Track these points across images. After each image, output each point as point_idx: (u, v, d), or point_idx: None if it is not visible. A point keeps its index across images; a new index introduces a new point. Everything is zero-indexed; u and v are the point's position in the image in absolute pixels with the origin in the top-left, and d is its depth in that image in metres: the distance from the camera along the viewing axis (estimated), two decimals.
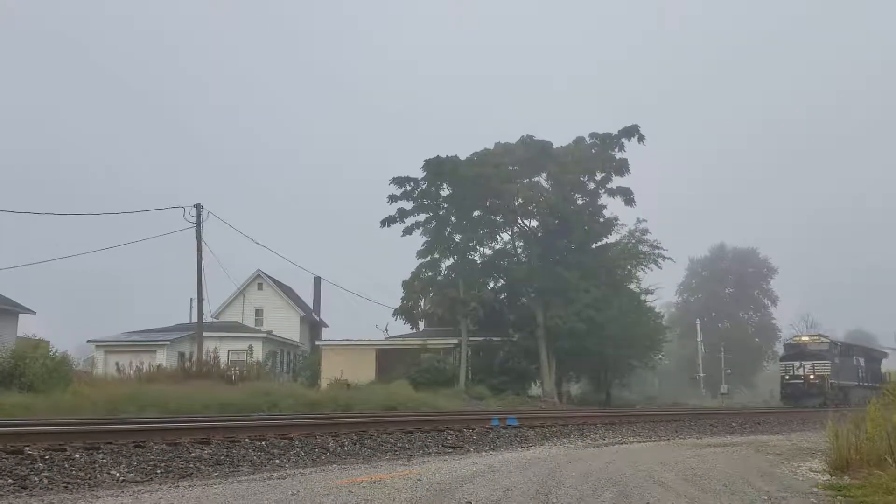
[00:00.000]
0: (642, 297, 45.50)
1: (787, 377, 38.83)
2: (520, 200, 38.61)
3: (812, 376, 37.58)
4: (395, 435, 10.64)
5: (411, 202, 38.55)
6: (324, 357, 39.80)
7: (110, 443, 7.90)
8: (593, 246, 41.23)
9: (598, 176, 40.40)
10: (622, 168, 39.51)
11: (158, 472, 6.84)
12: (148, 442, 8.18)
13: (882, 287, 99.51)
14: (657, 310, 51.53)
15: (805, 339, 41.43)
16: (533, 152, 38.94)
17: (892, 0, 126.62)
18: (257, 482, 6.16)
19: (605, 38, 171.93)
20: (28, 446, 7.28)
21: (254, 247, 62.24)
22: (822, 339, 40.83)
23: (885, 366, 46.71)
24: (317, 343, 45.09)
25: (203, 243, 31.62)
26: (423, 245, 39.14)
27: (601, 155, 39.92)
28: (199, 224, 31.49)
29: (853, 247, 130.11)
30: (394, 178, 38.07)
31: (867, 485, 5.88)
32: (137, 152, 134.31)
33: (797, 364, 38.45)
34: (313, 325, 52.59)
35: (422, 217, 38.83)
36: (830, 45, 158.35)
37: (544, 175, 40.08)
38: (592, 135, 41.01)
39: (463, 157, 38.56)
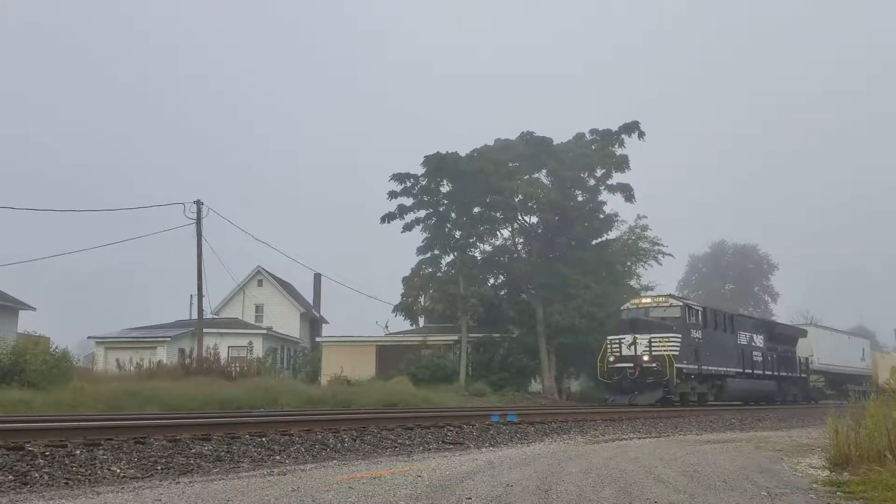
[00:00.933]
0: (642, 294, 45.50)
1: (611, 359, 25.22)
2: (520, 197, 38.58)
3: (647, 358, 24.15)
4: (395, 431, 10.65)
5: (411, 198, 38.55)
6: (324, 353, 39.85)
7: (111, 439, 7.91)
8: (593, 242, 41.21)
9: (599, 172, 40.36)
10: (622, 164, 39.47)
11: (159, 468, 6.84)
12: (148, 438, 8.18)
13: (883, 284, 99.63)
14: None
15: (646, 301, 27.61)
16: (533, 148, 38.91)
17: (891, 0, 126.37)
18: (258, 478, 6.17)
19: (605, 38, 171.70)
20: (29, 443, 7.29)
21: (254, 243, 62.42)
22: (673, 302, 26.85)
23: (807, 349, 36.59)
24: (317, 339, 45.14)
25: (203, 240, 31.62)
26: (422, 241, 39.16)
27: (601, 151, 39.88)
28: (199, 220, 31.46)
29: (853, 245, 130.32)
30: (394, 175, 38.09)
31: (867, 481, 5.89)
32: (138, 150, 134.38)
33: (627, 340, 24.88)
34: (313, 322, 52.62)
35: (422, 213, 38.82)
36: (830, 45, 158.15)
37: (544, 171, 40.03)
38: (592, 131, 41.01)
39: (463, 153, 38.59)
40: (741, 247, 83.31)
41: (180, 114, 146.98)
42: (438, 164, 37.65)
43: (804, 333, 36.97)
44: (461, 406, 23.37)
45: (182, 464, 7.10)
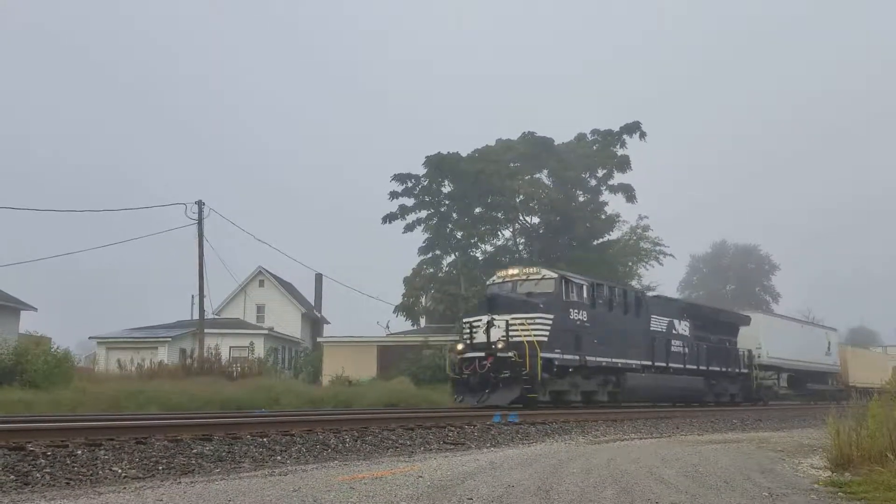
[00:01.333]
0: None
1: (460, 347, 19.83)
2: (521, 197, 38.62)
3: (501, 345, 18.53)
4: (396, 431, 10.65)
5: (412, 199, 38.59)
6: (325, 354, 39.83)
7: (112, 439, 7.90)
8: (595, 243, 41.22)
9: (600, 172, 40.42)
10: (624, 165, 39.53)
11: (160, 468, 6.84)
12: (150, 438, 8.18)
13: (884, 284, 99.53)
14: None
15: (513, 272, 21.25)
16: (534, 148, 38.95)
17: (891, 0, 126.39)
18: (259, 478, 6.17)
19: (605, 38, 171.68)
20: (30, 443, 7.29)
21: (255, 244, 62.25)
22: (546, 273, 20.57)
23: (754, 340, 30.62)
24: (318, 340, 45.14)
25: (205, 240, 31.63)
26: (424, 242, 39.19)
27: (603, 151, 39.93)
28: (200, 221, 31.47)
29: (854, 246, 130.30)
30: (395, 175, 38.17)
31: (868, 481, 5.88)
32: (138, 150, 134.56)
33: (483, 322, 19.18)
34: (315, 322, 52.63)
35: (423, 213, 38.87)
36: (830, 45, 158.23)
37: (546, 171, 40.08)
38: (594, 131, 41.12)
39: (464, 153, 38.63)
40: (742, 247, 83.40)
41: (180, 114, 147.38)
42: (439, 165, 37.70)
43: (747, 321, 31.11)
44: (462, 406, 23.33)
45: (183, 464, 7.09)
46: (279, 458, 7.95)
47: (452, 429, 11.68)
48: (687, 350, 25.22)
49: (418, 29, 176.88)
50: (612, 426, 14.46)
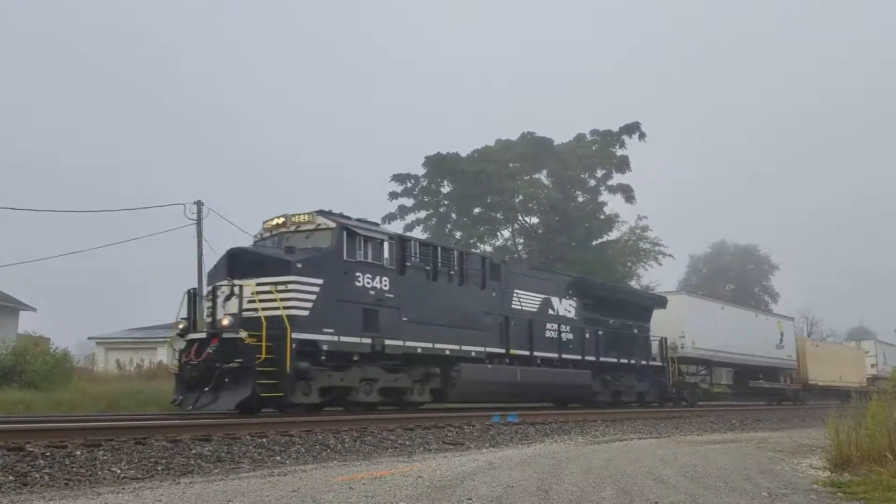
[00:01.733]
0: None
1: (181, 327, 13.96)
2: (520, 197, 38.62)
3: (227, 322, 12.83)
4: (395, 432, 10.65)
5: (412, 199, 38.60)
6: None
7: (111, 440, 7.90)
8: (594, 243, 41.23)
9: (599, 173, 40.44)
10: (623, 165, 39.54)
11: (159, 468, 6.84)
12: (149, 439, 8.18)
13: (884, 285, 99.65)
14: None
15: (278, 221, 14.81)
16: (534, 149, 38.97)
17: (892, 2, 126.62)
18: (258, 479, 6.17)
19: (606, 39, 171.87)
20: (29, 443, 7.28)
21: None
22: (322, 222, 14.20)
23: (675, 328, 25.09)
24: None
25: (203, 240, 31.59)
26: None
27: (602, 152, 39.95)
28: (199, 221, 31.38)
29: (854, 246, 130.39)
30: (394, 175, 38.19)
31: (868, 481, 5.89)
32: (138, 150, 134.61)
33: (223, 292, 13.49)
34: None
35: (422, 214, 38.89)
36: (830, 48, 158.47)
37: (545, 172, 40.10)
38: (593, 132, 41.12)
39: (463, 153, 38.66)
40: (742, 247, 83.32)
41: (180, 114, 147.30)
42: (439, 165, 37.74)
43: (662, 303, 25.14)
44: (462, 406, 23.32)
45: (182, 464, 7.09)
46: (278, 458, 7.94)
47: (451, 429, 11.70)
48: (571, 336, 19.92)
49: (418, 29, 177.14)
50: (611, 426, 14.47)
